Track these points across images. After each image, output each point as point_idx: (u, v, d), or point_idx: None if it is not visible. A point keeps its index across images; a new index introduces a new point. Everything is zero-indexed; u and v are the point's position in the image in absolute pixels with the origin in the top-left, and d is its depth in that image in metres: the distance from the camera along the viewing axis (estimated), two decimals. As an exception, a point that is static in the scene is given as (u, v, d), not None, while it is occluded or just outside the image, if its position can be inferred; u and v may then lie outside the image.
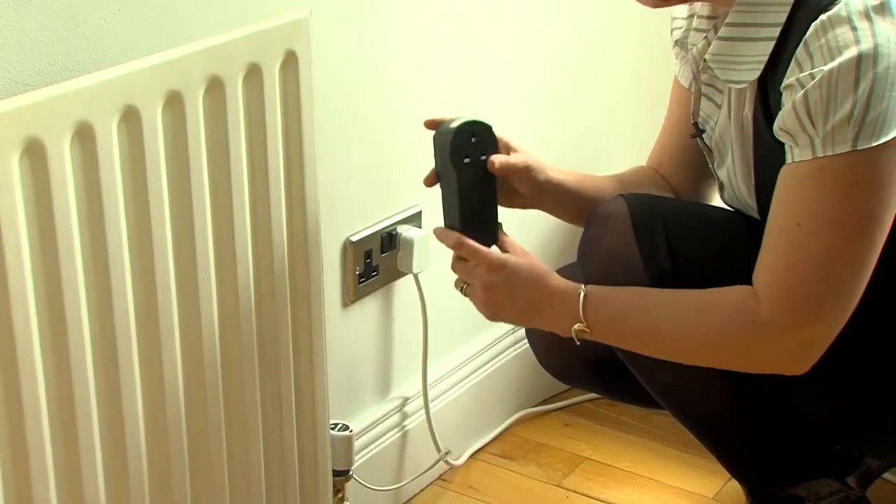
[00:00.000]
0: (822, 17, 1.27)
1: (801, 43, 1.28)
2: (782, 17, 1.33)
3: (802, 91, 1.27)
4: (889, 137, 1.26)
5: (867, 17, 1.25)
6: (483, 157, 1.47)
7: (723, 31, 1.39)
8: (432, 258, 1.79)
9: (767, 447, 1.57)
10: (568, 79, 2.07)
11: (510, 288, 1.44)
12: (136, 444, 1.33)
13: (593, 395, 2.12)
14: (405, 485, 1.89)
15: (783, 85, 1.31)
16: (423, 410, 1.89)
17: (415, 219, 1.80)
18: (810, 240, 1.30)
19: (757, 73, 1.35)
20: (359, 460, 1.77)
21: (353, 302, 1.75)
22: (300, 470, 1.57)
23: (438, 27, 1.78)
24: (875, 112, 1.25)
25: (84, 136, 1.21)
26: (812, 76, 1.27)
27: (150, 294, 1.31)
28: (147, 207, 1.29)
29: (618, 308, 1.42)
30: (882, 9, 1.26)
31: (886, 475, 1.77)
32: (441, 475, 1.96)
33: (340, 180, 1.67)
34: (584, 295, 1.42)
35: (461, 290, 1.49)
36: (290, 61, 1.41)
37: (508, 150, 1.54)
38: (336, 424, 1.67)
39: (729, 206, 1.55)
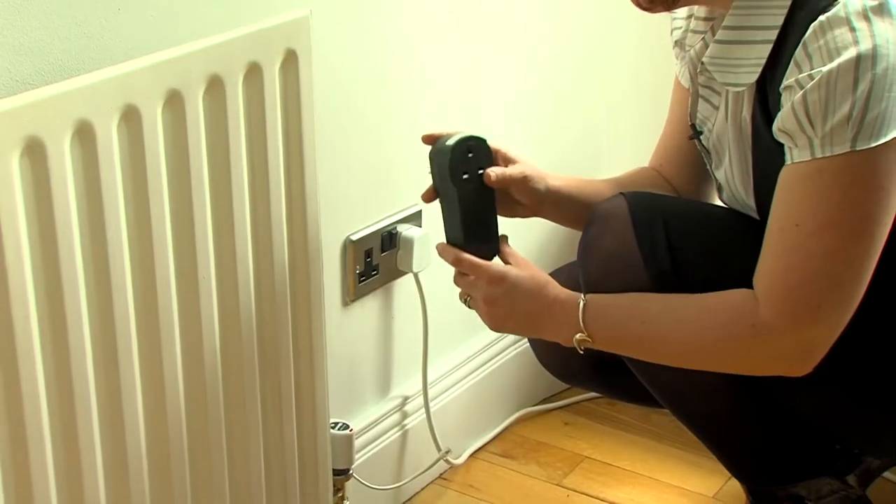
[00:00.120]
0: (821, 18, 1.27)
1: (800, 44, 1.28)
2: (779, 20, 1.32)
3: (801, 92, 1.27)
4: (888, 138, 1.26)
5: (866, 17, 1.25)
6: (480, 172, 1.49)
7: (720, 35, 1.39)
8: (432, 257, 1.78)
9: (767, 446, 1.57)
10: (568, 79, 2.07)
11: (511, 300, 1.45)
12: (137, 444, 1.33)
13: (593, 394, 2.12)
14: (405, 484, 1.89)
15: (782, 86, 1.31)
16: (423, 409, 1.89)
17: (415, 218, 1.80)
18: (809, 241, 1.30)
19: (755, 76, 1.35)
20: (359, 459, 1.77)
21: (353, 301, 1.75)
22: (300, 469, 1.57)
23: (439, 27, 1.78)
24: (874, 113, 1.25)
25: (84, 135, 1.21)
26: (811, 77, 1.27)
27: (151, 293, 1.31)
28: (147, 207, 1.29)
29: (618, 316, 1.43)
30: (881, 10, 1.26)
31: (887, 474, 1.77)
32: (441, 474, 1.96)
33: (340, 179, 1.67)
34: (584, 304, 1.42)
35: (465, 303, 1.51)
36: (291, 60, 1.41)
37: (507, 160, 1.55)
38: (336, 423, 1.67)
39: (728, 206, 1.55)
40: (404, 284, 1.83)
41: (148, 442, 1.34)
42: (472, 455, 2.01)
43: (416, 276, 1.81)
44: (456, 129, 1.79)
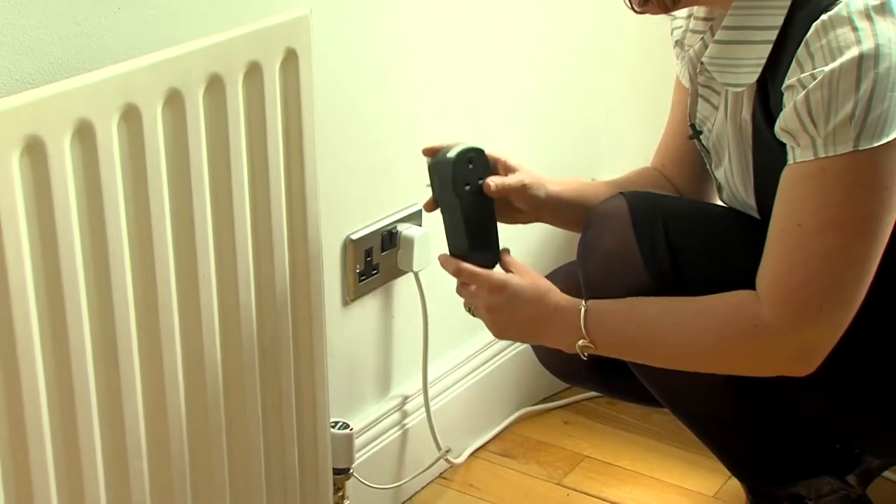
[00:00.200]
0: (823, 17, 1.27)
1: (802, 43, 1.28)
2: (779, 20, 1.32)
3: (804, 91, 1.27)
4: (891, 138, 1.26)
5: (868, 17, 1.25)
6: (480, 182, 1.50)
7: (720, 35, 1.39)
8: (432, 256, 1.79)
9: (768, 445, 1.57)
10: (568, 79, 2.07)
11: (512, 308, 1.45)
12: (137, 442, 1.33)
13: (593, 393, 2.12)
14: (405, 483, 1.89)
15: (784, 85, 1.31)
16: (423, 409, 1.89)
17: (415, 217, 1.80)
18: (812, 241, 1.30)
19: (755, 76, 1.35)
20: (359, 458, 1.77)
21: (353, 300, 1.75)
22: (300, 468, 1.57)
23: (439, 26, 1.78)
24: (876, 112, 1.25)
25: (84, 135, 1.21)
26: (813, 76, 1.26)
27: (151, 292, 1.31)
28: (147, 206, 1.29)
29: (619, 320, 1.43)
30: (883, 9, 1.26)
31: (887, 473, 1.77)
32: (441, 473, 1.96)
33: (340, 178, 1.67)
34: (585, 310, 1.42)
35: (469, 312, 1.52)
36: (291, 59, 1.41)
37: (506, 168, 1.55)
38: (336, 423, 1.67)
39: (728, 206, 1.55)
40: (404, 284, 1.83)
41: (148, 441, 1.34)
42: (473, 454, 2.01)
43: (416, 275, 1.81)
44: (455, 135, 1.79)
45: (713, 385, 1.51)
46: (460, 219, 1.48)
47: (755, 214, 1.47)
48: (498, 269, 1.50)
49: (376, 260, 1.76)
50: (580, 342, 1.42)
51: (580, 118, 2.13)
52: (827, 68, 1.25)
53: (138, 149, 1.27)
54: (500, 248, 1.52)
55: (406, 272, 1.81)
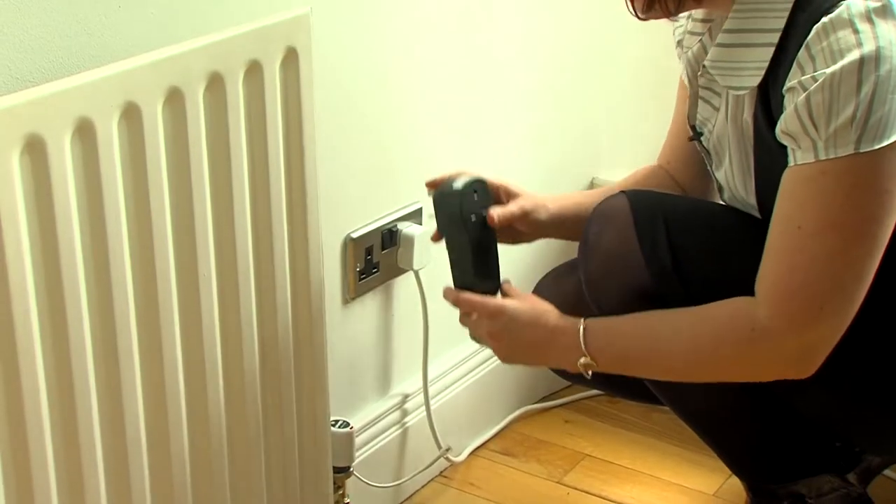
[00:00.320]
0: (824, 19, 1.26)
1: (803, 46, 1.28)
2: (781, 23, 1.32)
3: (804, 94, 1.27)
4: (892, 140, 1.26)
5: (869, 19, 1.25)
6: (484, 212, 1.53)
7: (721, 38, 1.39)
8: (433, 255, 1.79)
9: (768, 444, 1.57)
10: (568, 79, 2.07)
11: (511, 332, 1.48)
12: (137, 440, 1.33)
13: (594, 391, 2.12)
14: (406, 481, 1.89)
15: (785, 88, 1.30)
16: (423, 407, 1.89)
17: (415, 215, 1.80)
18: (812, 243, 1.30)
19: (758, 79, 1.35)
20: (359, 457, 1.77)
21: (353, 299, 1.75)
22: (301, 466, 1.57)
23: (439, 25, 1.78)
24: (878, 115, 1.25)
25: (84, 133, 1.21)
26: (814, 79, 1.26)
27: (151, 291, 1.31)
28: (147, 204, 1.29)
29: (618, 335, 1.43)
30: (884, 11, 1.26)
31: (887, 472, 1.77)
32: (442, 472, 1.96)
33: (341, 177, 1.67)
34: (584, 328, 1.43)
35: (476, 341, 1.55)
36: (291, 58, 1.41)
37: (508, 194, 1.59)
38: (337, 421, 1.67)
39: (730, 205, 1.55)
40: (405, 282, 1.83)
41: (148, 439, 1.34)
42: (473, 453, 2.01)
43: (416, 273, 1.81)
44: (455, 134, 1.80)
45: (713, 383, 1.51)
46: (467, 250, 1.51)
47: (756, 214, 1.47)
48: (498, 295, 1.53)
49: (376, 258, 1.76)
50: (582, 360, 1.43)
51: (580, 117, 2.13)
52: (828, 71, 1.25)
53: (139, 147, 1.27)
54: (501, 276, 1.54)
55: (406, 271, 1.81)
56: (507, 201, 1.59)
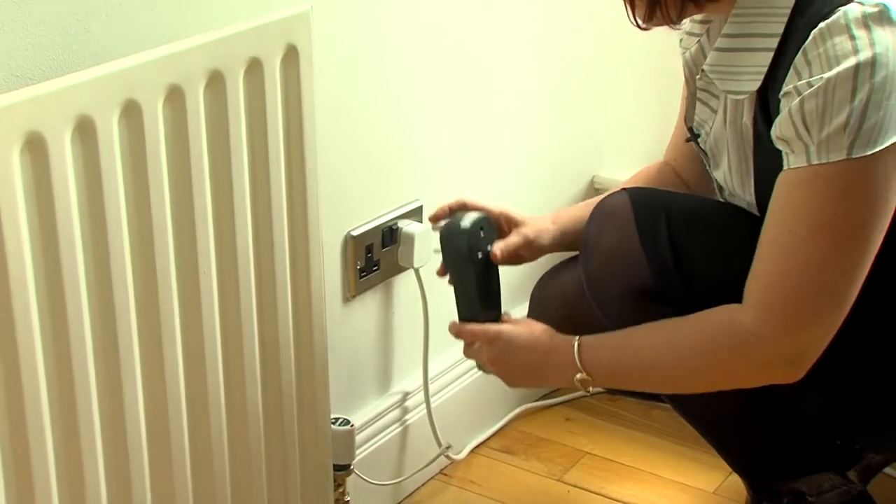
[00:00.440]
0: (821, 25, 1.26)
1: (800, 51, 1.28)
2: (780, 28, 1.32)
3: (799, 98, 1.27)
4: (885, 145, 1.26)
5: (865, 25, 1.25)
6: (489, 247, 1.57)
7: (720, 42, 1.39)
8: (433, 253, 1.78)
9: (768, 442, 1.57)
10: (568, 77, 2.06)
11: (509, 356, 1.51)
12: (137, 438, 1.33)
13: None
14: (406, 479, 1.89)
15: (781, 92, 1.30)
16: (423, 405, 1.89)
17: (416, 213, 1.80)
18: (803, 246, 1.30)
19: (757, 84, 1.35)
20: (360, 455, 1.77)
21: (353, 297, 1.75)
22: (301, 464, 1.57)
23: (440, 24, 1.78)
24: (871, 121, 1.24)
25: (85, 131, 1.21)
26: (809, 84, 1.26)
27: (151, 288, 1.31)
28: (148, 202, 1.29)
29: (610, 350, 1.45)
30: (881, 17, 1.25)
31: (887, 470, 1.77)
32: (442, 470, 1.96)
33: (341, 175, 1.67)
34: (578, 344, 1.45)
35: (483, 370, 1.58)
36: (291, 55, 1.41)
37: (509, 222, 1.63)
38: (337, 419, 1.67)
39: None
40: (405, 280, 1.83)
41: (149, 436, 1.34)
42: (473, 451, 2.01)
43: (416, 271, 1.81)
44: (456, 133, 1.80)
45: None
46: (473, 284, 1.56)
47: (756, 213, 1.46)
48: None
49: (377, 256, 1.76)
50: (578, 376, 1.45)
51: (581, 116, 2.13)
52: (823, 76, 1.25)
53: (139, 145, 1.27)
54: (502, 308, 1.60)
55: (407, 268, 1.80)
56: (509, 230, 1.63)
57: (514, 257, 1.62)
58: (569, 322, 1.60)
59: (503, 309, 1.60)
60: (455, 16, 1.81)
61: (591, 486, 1.92)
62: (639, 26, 1.40)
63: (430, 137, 1.82)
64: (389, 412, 1.86)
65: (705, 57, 1.44)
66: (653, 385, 1.49)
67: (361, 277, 1.75)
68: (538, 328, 1.51)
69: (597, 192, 2.16)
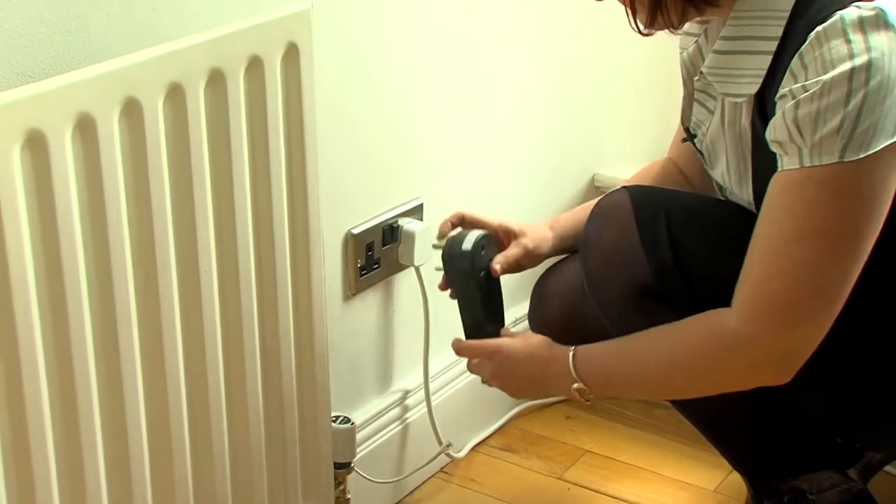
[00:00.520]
0: (818, 28, 1.26)
1: (797, 54, 1.28)
2: (779, 31, 1.32)
3: (793, 101, 1.27)
4: (877, 149, 1.25)
5: (862, 29, 1.24)
6: (490, 262, 1.61)
7: (719, 45, 1.39)
8: (434, 251, 1.78)
9: (769, 440, 1.57)
10: (568, 75, 2.06)
11: (508, 369, 1.53)
12: (138, 435, 1.33)
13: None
14: (406, 477, 1.89)
15: (777, 95, 1.30)
16: (424, 403, 1.89)
17: (416, 211, 1.80)
18: (792, 248, 1.30)
19: (756, 87, 1.35)
20: (360, 453, 1.77)
21: (354, 295, 1.75)
22: (302, 462, 1.57)
23: (440, 22, 1.78)
24: (865, 125, 1.24)
25: (85, 128, 1.21)
26: (805, 88, 1.26)
27: (152, 287, 1.31)
28: (148, 200, 1.29)
29: (605, 358, 1.46)
30: (877, 21, 1.25)
31: (888, 468, 1.77)
32: (442, 468, 1.96)
33: (342, 173, 1.67)
34: (573, 354, 1.46)
35: (488, 385, 1.60)
36: (292, 54, 1.41)
37: (508, 234, 1.64)
38: (337, 417, 1.67)
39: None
40: (405, 278, 1.83)
41: (149, 433, 1.34)
42: (474, 449, 2.01)
43: (417, 269, 1.81)
44: (456, 132, 1.79)
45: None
46: (477, 301, 1.60)
47: (756, 212, 1.46)
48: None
49: (377, 254, 1.76)
50: (575, 385, 1.46)
51: (581, 114, 2.13)
52: (818, 81, 1.25)
53: (139, 143, 1.27)
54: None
55: (407, 266, 1.80)
56: (508, 242, 1.64)
57: (515, 267, 1.64)
58: (569, 320, 1.60)
59: (506, 321, 1.64)
60: (455, 14, 1.81)
61: (592, 485, 1.92)
62: (640, 32, 1.40)
63: (431, 135, 1.82)
64: (390, 410, 1.86)
65: (703, 57, 1.44)
66: (648, 392, 1.52)
67: (362, 275, 1.75)
68: (536, 340, 1.53)
69: (597, 189, 2.16)
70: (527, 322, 1.79)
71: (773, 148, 1.31)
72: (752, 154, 1.40)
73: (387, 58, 1.71)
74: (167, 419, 1.36)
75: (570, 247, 1.66)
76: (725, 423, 1.58)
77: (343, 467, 1.68)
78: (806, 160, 1.27)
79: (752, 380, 1.39)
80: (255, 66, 1.37)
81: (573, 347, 1.47)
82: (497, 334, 1.59)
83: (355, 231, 1.72)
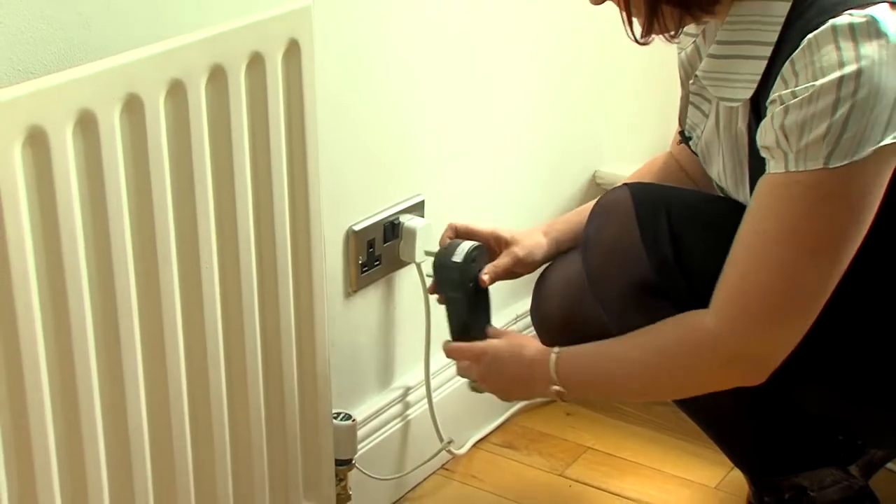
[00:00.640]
0: (809, 36, 1.26)
1: (788, 60, 1.28)
2: (774, 36, 1.32)
3: (782, 107, 1.27)
4: (862, 156, 1.25)
5: (853, 37, 1.24)
6: (480, 273, 1.63)
7: (714, 49, 1.39)
8: (435, 248, 1.78)
9: (770, 436, 1.57)
10: (569, 71, 2.06)
11: (495, 372, 1.55)
12: (139, 432, 1.33)
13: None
14: (408, 474, 1.89)
15: (768, 100, 1.30)
16: (425, 400, 1.89)
17: (417, 208, 1.80)
18: (770, 250, 1.30)
19: (750, 92, 1.34)
20: (361, 450, 1.77)
21: (355, 291, 1.75)
22: (303, 459, 1.57)
23: (441, 19, 1.78)
24: (851, 133, 1.24)
25: (86, 125, 1.21)
26: (794, 94, 1.26)
27: (153, 283, 1.31)
28: (149, 196, 1.29)
29: (583, 361, 1.47)
30: (868, 29, 1.24)
31: (890, 465, 1.76)
32: (444, 465, 1.96)
33: (343, 169, 1.67)
34: (555, 357, 1.47)
35: (476, 390, 1.62)
36: (293, 50, 1.41)
37: (499, 242, 1.65)
38: (339, 414, 1.67)
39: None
40: (407, 275, 1.83)
41: (150, 430, 1.34)
42: (475, 445, 2.01)
43: (418, 266, 1.81)
44: (457, 130, 1.79)
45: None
46: (464, 308, 1.62)
47: None
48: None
49: (378, 251, 1.76)
50: (553, 388, 1.47)
51: (582, 110, 2.13)
52: (808, 87, 1.25)
53: (140, 139, 1.27)
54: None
55: (408, 263, 1.80)
56: (500, 250, 1.65)
57: (507, 276, 1.65)
58: (570, 318, 1.60)
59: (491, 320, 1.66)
60: (456, 11, 1.81)
61: (593, 481, 1.92)
62: (637, 41, 1.40)
63: (432, 132, 1.82)
64: (391, 407, 1.86)
65: (700, 58, 1.44)
66: (623, 394, 1.54)
67: (363, 272, 1.75)
68: (519, 341, 1.55)
69: (598, 186, 2.16)
70: (528, 319, 1.79)
71: (762, 152, 1.31)
72: (749, 158, 1.40)
73: (388, 55, 1.70)
74: (168, 415, 1.36)
75: (567, 251, 1.66)
76: (726, 420, 1.58)
77: (344, 464, 1.69)
78: (791, 165, 1.27)
79: (727, 379, 1.40)
80: (256, 62, 1.37)
81: (557, 349, 1.48)
82: (482, 336, 1.61)
83: (356, 228, 1.72)
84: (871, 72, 1.23)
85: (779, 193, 1.29)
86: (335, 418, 1.65)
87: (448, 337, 1.64)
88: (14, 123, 1.14)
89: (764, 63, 1.32)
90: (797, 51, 1.27)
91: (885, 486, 1.66)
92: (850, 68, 1.23)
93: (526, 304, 1.76)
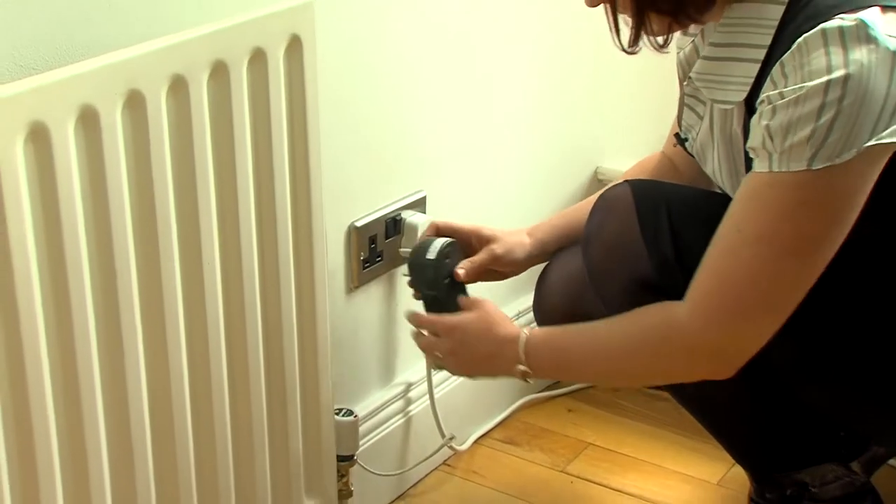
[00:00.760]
0: (799, 39, 1.26)
1: (779, 62, 1.28)
2: (768, 39, 1.32)
3: (770, 107, 1.27)
4: (846, 159, 1.25)
5: (842, 41, 1.24)
6: (455, 268, 1.64)
7: (707, 51, 1.39)
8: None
9: (772, 433, 1.57)
10: (570, 68, 2.06)
11: (466, 347, 1.56)
12: (141, 429, 1.33)
13: (597, 381, 2.12)
14: (409, 470, 1.89)
15: (758, 101, 1.30)
16: (427, 396, 1.89)
17: (419, 204, 1.80)
18: (745, 248, 1.31)
19: (743, 94, 1.34)
20: (363, 445, 1.77)
21: (357, 287, 1.75)
22: (305, 455, 1.57)
23: (443, 16, 1.78)
24: (836, 136, 1.24)
25: (88, 121, 1.21)
26: (782, 95, 1.26)
27: (155, 279, 1.31)
28: (151, 192, 1.29)
29: (553, 343, 1.48)
30: (858, 32, 1.24)
31: (892, 461, 1.77)
32: (445, 460, 1.96)
33: (345, 165, 1.67)
34: (525, 339, 1.48)
35: (436, 367, 1.64)
36: (295, 46, 1.41)
37: (480, 239, 1.66)
38: (340, 410, 1.67)
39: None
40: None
41: (152, 427, 1.35)
42: (476, 441, 2.01)
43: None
44: (457, 129, 1.79)
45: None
46: (439, 303, 1.63)
47: None
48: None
49: (380, 247, 1.76)
50: (519, 367, 1.49)
51: (583, 107, 2.13)
52: (795, 90, 1.25)
53: (142, 135, 1.27)
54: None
55: (410, 259, 1.81)
56: (480, 247, 1.66)
57: (485, 274, 1.65)
58: (571, 313, 1.60)
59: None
60: (457, 8, 1.81)
61: (594, 477, 1.92)
62: (625, 50, 1.41)
63: (434, 127, 1.82)
64: (393, 403, 1.86)
65: (699, 57, 1.44)
66: (588, 374, 1.54)
67: (365, 268, 1.75)
68: (492, 318, 1.54)
69: (600, 182, 2.15)
70: (530, 315, 1.79)
71: (749, 152, 1.31)
72: (745, 160, 1.40)
73: (390, 50, 1.70)
74: (170, 411, 1.36)
75: (554, 252, 1.66)
76: (728, 416, 1.58)
77: (346, 460, 1.69)
78: (776, 165, 1.27)
79: (693, 371, 1.41)
80: (258, 58, 1.37)
81: (527, 328, 1.49)
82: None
83: (358, 224, 1.72)
84: (858, 77, 1.23)
85: (761, 193, 1.30)
86: (337, 414, 1.65)
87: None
88: (16, 119, 1.14)
89: (757, 66, 1.33)
90: (787, 53, 1.27)
91: (887, 483, 1.66)
92: (837, 73, 1.23)
93: (527, 300, 1.76)
